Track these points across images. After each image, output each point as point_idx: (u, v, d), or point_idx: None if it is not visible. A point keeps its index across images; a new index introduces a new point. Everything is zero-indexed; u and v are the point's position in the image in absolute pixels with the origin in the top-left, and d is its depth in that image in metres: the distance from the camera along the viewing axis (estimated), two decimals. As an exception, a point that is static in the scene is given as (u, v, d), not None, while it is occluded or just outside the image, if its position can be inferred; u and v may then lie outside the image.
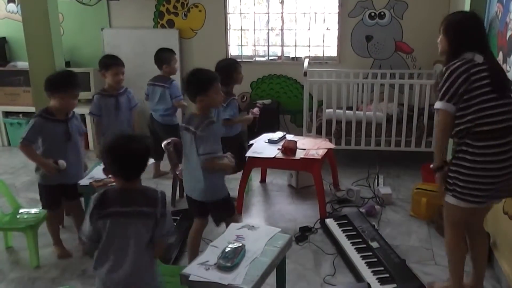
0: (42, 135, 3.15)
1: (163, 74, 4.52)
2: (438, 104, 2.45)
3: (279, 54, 5.99)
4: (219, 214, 3.04)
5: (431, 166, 2.60)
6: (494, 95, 2.38)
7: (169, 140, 4.24)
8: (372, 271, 3.00)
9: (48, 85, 3.18)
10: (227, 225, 2.89)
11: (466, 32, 2.49)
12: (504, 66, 3.06)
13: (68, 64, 5.76)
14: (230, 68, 3.89)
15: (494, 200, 2.58)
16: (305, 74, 4.90)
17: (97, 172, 3.24)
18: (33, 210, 3.50)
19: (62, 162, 3.15)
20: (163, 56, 4.51)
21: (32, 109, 5.02)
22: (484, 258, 2.79)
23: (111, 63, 3.86)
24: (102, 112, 3.92)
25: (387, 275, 2.96)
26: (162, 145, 4.14)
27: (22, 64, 5.81)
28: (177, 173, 4.09)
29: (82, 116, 5.68)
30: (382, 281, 2.90)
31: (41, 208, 3.43)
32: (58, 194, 3.31)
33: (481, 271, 2.78)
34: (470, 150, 2.41)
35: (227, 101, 3.82)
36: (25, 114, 5.81)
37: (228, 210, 3.04)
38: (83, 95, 5.71)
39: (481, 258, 2.77)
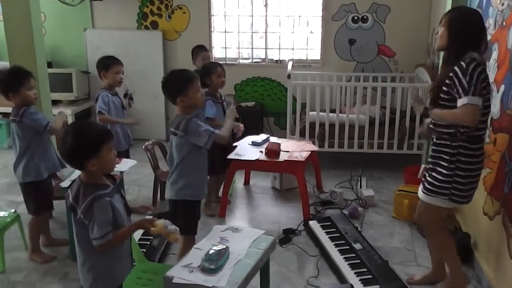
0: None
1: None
2: (469, 99, 2.32)
3: (263, 56, 6.01)
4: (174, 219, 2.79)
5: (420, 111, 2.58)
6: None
7: (150, 142, 4.23)
8: (355, 273, 3.02)
9: (3, 87, 3.09)
10: (178, 253, 2.82)
11: (474, 31, 2.45)
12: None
13: (50, 64, 5.69)
14: (208, 70, 3.82)
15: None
16: (288, 76, 4.92)
17: (79, 173, 3.19)
18: (2, 213, 3.41)
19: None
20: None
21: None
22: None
23: (111, 62, 3.77)
24: (110, 109, 3.75)
25: (370, 276, 2.98)
26: (144, 146, 4.13)
27: (3, 64, 5.72)
28: (157, 174, 4.08)
29: (64, 118, 5.64)
30: (365, 282, 2.92)
31: (13, 211, 3.37)
32: (49, 191, 3.26)
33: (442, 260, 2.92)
34: (468, 152, 2.49)
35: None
36: (5, 114, 5.72)
37: (184, 220, 2.77)
38: (65, 96, 5.75)
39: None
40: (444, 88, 2.47)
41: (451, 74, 2.42)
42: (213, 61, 4.36)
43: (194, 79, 2.75)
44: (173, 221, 2.78)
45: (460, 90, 2.36)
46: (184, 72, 2.81)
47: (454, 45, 2.48)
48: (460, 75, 2.37)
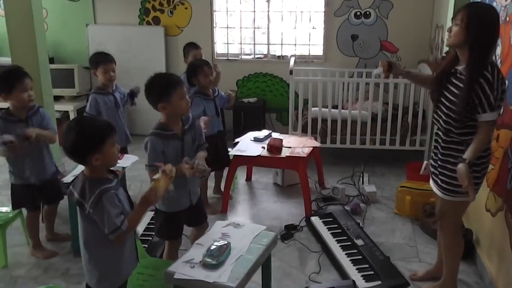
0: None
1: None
2: (493, 116, 2.32)
3: (265, 52, 5.99)
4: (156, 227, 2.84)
5: (466, 160, 2.33)
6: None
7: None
8: (357, 269, 3.02)
9: None
10: (164, 256, 2.84)
11: (492, 31, 2.34)
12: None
13: (52, 60, 5.69)
14: (194, 71, 3.69)
15: None
16: (291, 72, 4.90)
17: (81, 168, 3.18)
18: (4, 209, 3.41)
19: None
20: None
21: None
22: None
23: (99, 60, 3.64)
24: (101, 111, 3.67)
25: (372, 272, 2.98)
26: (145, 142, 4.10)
27: (5, 60, 5.72)
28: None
29: (66, 113, 5.66)
30: (367, 278, 2.93)
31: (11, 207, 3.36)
32: (32, 193, 3.23)
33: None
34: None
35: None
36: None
37: (159, 229, 2.82)
38: (67, 91, 5.76)
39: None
40: (472, 102, 2.38)
41: (475, 86, 2.33)
42: (202, 58, 4.09)
43: (177, 85, 2.54)
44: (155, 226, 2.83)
45: (486, 106, 2.32)
46: (168, 76, 2.66)
47: (473, 48, 2.35)
48: (488, 91, 2.31)
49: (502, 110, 2.83)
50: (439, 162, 2.61)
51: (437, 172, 2.63)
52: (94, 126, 2.05)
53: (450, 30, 2.43)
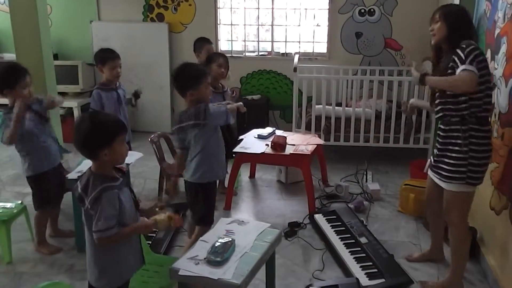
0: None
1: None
2: (465, 66, 2.42)
3: (269, 49, 5.99)
4: (197, 205, 2.92)
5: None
6: (491, 85, 2.62)
7: (156, 134, 4.22)
8: (361, 266, 3.02)
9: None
10: (195, 235, 2.85)
11: (467, 22, 2.62)
12: (492, 64, 3.10)
13: (56, 56, 5.70)
14: (210, 59, 3.86)
15: None
16: (295, 69, 4.90)
17: (86, 165, 3.20)
18: (9, 205, 3.41)
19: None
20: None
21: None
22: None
23: (107, 57, 3.66)
24: (104, 107, 3.69)
25: (376, 270, 2.98)
26: (149, 139, 4.11)
27: (10, 56, 5.74)
28: (163, 166, 4.07)
29: (70, 110, 5.67)
30: (370, 276, 2.93)
31: (19, 203, 3.36)
32: (55, 184, 3.26)
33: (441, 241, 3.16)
34: (480, 134, 2.56)
35: None
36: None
37: (203, 208, 2.93)
38: (71, 88, 5.76)
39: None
40: (450, 71, 2.54)
41: (453, 57, 2.52)
42: (219, 52, 4.31)
43: (206, 75, 2.82)
44: (193, 208, 2.94)
45: (458, 63, 2.46)
46: (198, 66, 2.91)
47: (453, 36, 2.59)
48: (460, 52, 2.49)
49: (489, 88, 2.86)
50: (438, 152, 2.71)
51: (439, 161, 2.71)
52: (106, 121, 2.06)
53: (432, 29, 2.71)
